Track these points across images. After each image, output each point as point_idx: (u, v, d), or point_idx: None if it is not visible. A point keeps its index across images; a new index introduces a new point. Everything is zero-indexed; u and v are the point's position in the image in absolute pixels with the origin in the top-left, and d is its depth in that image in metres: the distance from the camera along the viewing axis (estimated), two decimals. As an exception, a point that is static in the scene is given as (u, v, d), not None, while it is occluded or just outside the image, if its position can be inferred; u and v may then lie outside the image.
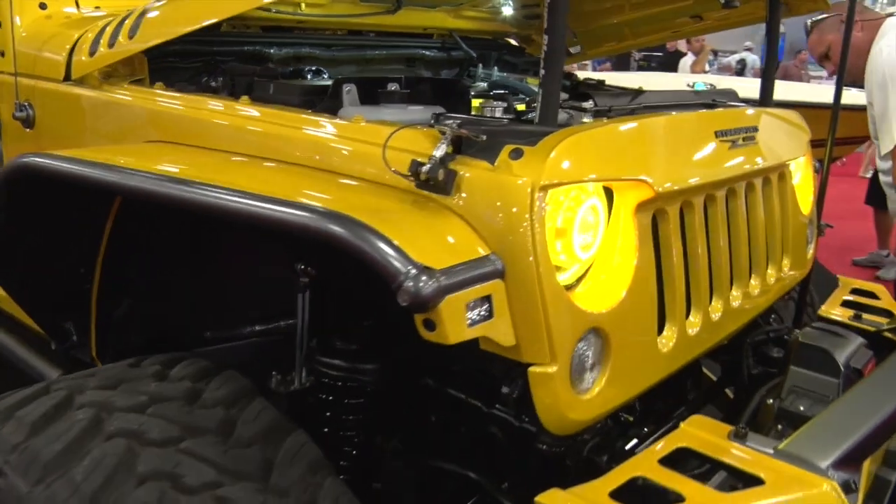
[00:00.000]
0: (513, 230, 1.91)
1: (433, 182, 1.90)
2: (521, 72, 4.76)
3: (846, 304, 3.38)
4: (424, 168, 1.88)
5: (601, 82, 4.41)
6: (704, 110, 2.91)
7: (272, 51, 3.72)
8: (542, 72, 2.10)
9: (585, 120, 2.51)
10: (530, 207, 1.93)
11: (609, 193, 2.29)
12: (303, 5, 3.65)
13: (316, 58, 3.92)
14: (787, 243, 3.29)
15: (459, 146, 2.02)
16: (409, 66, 4.47)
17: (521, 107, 2.75)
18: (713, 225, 2.69)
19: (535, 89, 4.74)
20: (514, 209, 1.94)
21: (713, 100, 3.22)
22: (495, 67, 4.69)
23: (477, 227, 1.92)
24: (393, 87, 2.92)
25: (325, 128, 2.34)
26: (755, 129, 2.98)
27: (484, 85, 4.62)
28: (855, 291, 3.53)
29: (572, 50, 4.99)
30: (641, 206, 2.31)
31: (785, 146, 3.36)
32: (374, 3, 3.92)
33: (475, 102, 3.20)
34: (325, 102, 2.70)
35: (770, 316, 3.53)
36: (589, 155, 2.16)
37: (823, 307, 3.34)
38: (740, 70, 17.66)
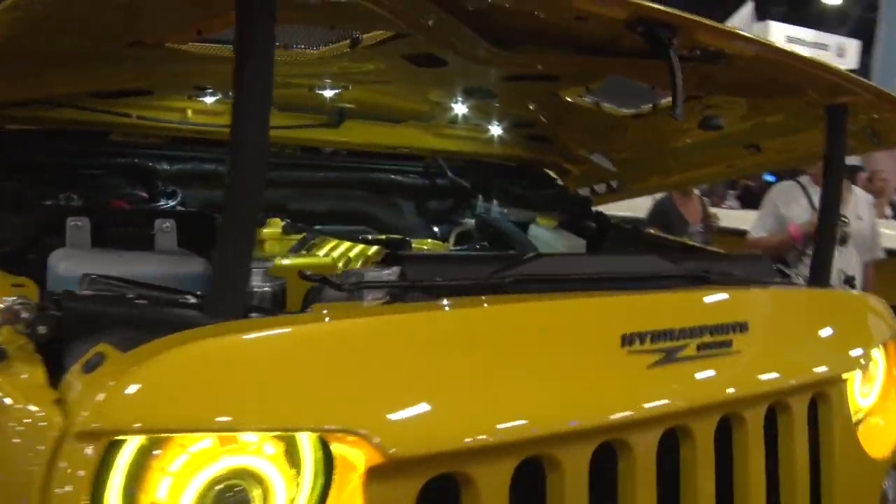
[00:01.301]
0: None
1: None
2: (536, 207, 3.71)
3: None
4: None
5: (634, 227, 3.30)
6: (628, 294, 1.74)
7: (163, 166, 2.96)
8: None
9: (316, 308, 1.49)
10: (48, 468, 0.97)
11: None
12: (189, 112, 2.89)
13: (220, 176, 3.12)
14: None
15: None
16: (377, 193, 3.57)
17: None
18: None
19: (535, 236, 3.77)
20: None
21: (704, 272, 2.01)
22: (494, 202, 3.67)
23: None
24: (166, 224, 2.01)
25: None
26: (742, 329, 1.77)
27: (468, 223, 3.63)
28: None
29: (613, 185, 3.89)
30: (376, 477, 1.20)
31: (829, 351, 2.07)
32: (302, 114, 3.11)
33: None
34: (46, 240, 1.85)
35: None
36: (206, 383, 1.12)
37: None
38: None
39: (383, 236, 2.82)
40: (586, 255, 2.10)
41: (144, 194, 2.82)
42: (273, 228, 2.99)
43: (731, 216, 7.28)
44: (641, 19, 1.62)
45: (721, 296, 1.88)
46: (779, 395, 1.85)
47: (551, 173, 3.99)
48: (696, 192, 6.14)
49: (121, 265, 1.75)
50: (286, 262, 2.32)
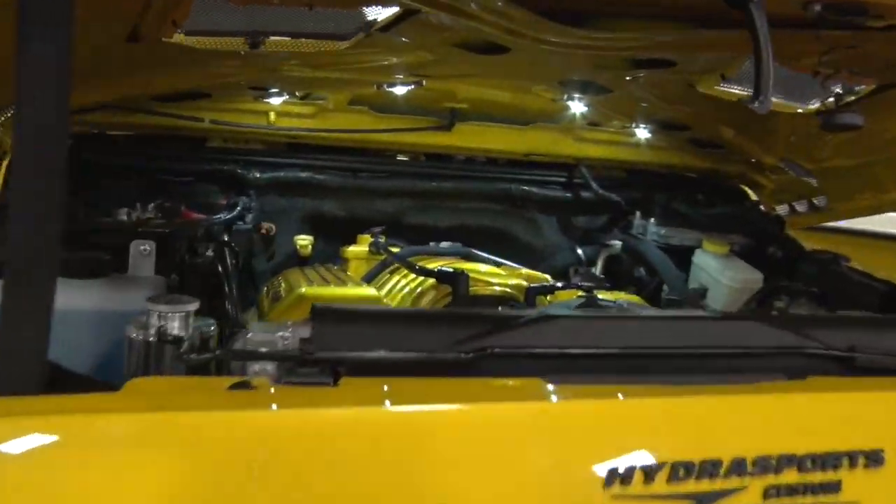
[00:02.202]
0: None
1: None
2: (710, 228, 2.99)
3: None
4: None
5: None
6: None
7: (254, 174, 2.72)
8: None
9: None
10: None
11: None
12: (272, 115, 2.60)
13: (318, 186, 2.81)
14: None
15: None
16: (509, 205, 3.07)
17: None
18: None
19: (699, 264, 2.97)
20: None
21: (850, 349, 1.31)
22: (651, 220, 3.00)
23: None
24: (144, 247, 1.69)
25: None
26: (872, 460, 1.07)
27: (616, 246, 3.00)
28: None
29: (817, 202, 3.04)
30: None
31: None
32: (409, 116, 2.71)
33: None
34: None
35: None
36: None
37: None
38: None
39: (478, 265, 2.32)
40: (630, 316, 1.44)
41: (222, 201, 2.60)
42: (360, 246, 2.63)
43: None
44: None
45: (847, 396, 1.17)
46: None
47: (744, 187, 3.21)
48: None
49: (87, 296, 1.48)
50: (303, 290, 1.94)
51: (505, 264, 2.62)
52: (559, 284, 2.09)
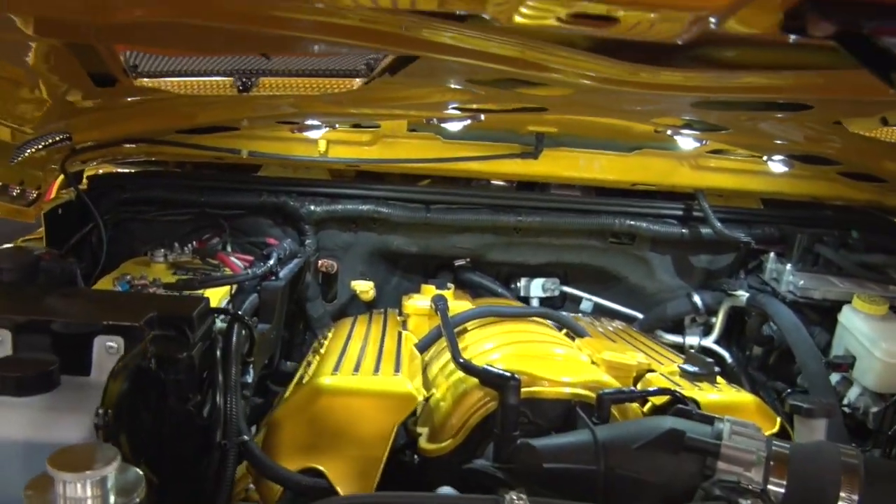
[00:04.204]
0: None
1: None
2: (859, 277, 2.39)
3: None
4: None
5: None
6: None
7: (308, 207, 2.40)
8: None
9: None
10: None
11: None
12: (323, 144, 2.25)
13: (384, 221, 2.44)
14: None
15: None
16: (613, 242, 2.59)
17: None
18: None
19: (847, 326, 2.32)
20: None
21: None
22: (788, 266, 2.43)
23: None
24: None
25: None
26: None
27: (741, 298, 2.46)
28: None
29: None
30: None
31: None
32: (485, 143, 2.29)
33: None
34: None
35: None
36: None
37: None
38: None
39: (552, 347, 1.86)
40: None
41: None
42: (421, 300, 2.24)
43: None
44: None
45: None
46: None
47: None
48: None
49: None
50: (323, 381, 1.59)
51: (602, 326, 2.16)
52: (636, 391, 1.62)
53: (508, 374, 1.49)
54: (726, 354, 2.54)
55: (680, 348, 2.50)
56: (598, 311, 2.71)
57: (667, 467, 1.43)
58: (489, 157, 2.32)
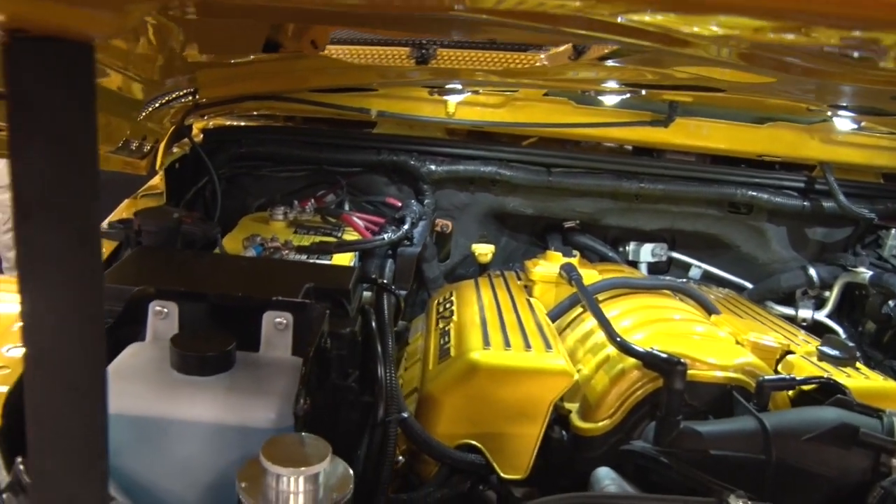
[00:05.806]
0: None
1: None
2: None
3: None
4: None
5: None
6: None
7: (429, 167, 2.39)
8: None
9: None
10: None
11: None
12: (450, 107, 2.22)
13: (505, 182, 2.43)
14: None
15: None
16: (731, 211, 2.56)
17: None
18: None
19: None
20: None
21: None
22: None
23: None
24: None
25: None
26: None
27: (863, 275, 2.42)
28: None
29: None
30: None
31: None
32: (617, 109, 2.25)
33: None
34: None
35: None
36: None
37: None
38: None
39: (694, 324, 1.86)
40: None
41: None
42: (549, 267, 2.24)
43: None
44: None
45: None
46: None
47: None
48: None
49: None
50: (476, 356, 1.60)
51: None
52: (796, 379, 1.61)
53: (675, 358, 1.50)
54: (840, 329, 2.53)
55: (792, 320, 2.49)
56: (705, 278, 2.71)
57: (836, 461, 1.45)
58: (620, 123, 2.28)
